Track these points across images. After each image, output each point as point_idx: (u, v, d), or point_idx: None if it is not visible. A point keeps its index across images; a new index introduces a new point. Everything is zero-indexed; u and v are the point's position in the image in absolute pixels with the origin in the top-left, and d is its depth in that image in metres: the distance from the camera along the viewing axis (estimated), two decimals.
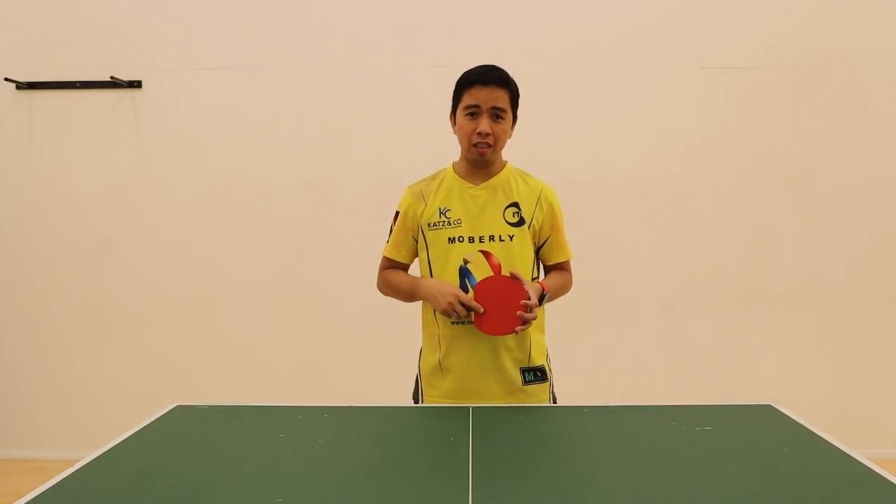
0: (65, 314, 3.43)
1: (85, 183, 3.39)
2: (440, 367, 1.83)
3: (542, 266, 1.93)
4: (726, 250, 3.37)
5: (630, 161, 3.34)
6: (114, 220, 3.40)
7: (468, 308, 1.70)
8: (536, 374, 1.83)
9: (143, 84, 3.36)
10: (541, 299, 1.75)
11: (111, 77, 3.30)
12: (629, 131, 3.34)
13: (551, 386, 1.89)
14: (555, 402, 1.89)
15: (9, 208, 3.41)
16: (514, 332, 1.70)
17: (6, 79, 3.30)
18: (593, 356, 3.34)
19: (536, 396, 1.84)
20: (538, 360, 1.85)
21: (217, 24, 3.34)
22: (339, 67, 3.34)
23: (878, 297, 3.38)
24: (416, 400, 1.93)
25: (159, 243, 3.40)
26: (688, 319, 3.38)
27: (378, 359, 3.32)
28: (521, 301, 1.67)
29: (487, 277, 1.74)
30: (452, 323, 1.78)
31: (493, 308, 1.70)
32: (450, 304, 1.70)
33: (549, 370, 1.88)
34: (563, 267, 1.91)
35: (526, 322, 1.67)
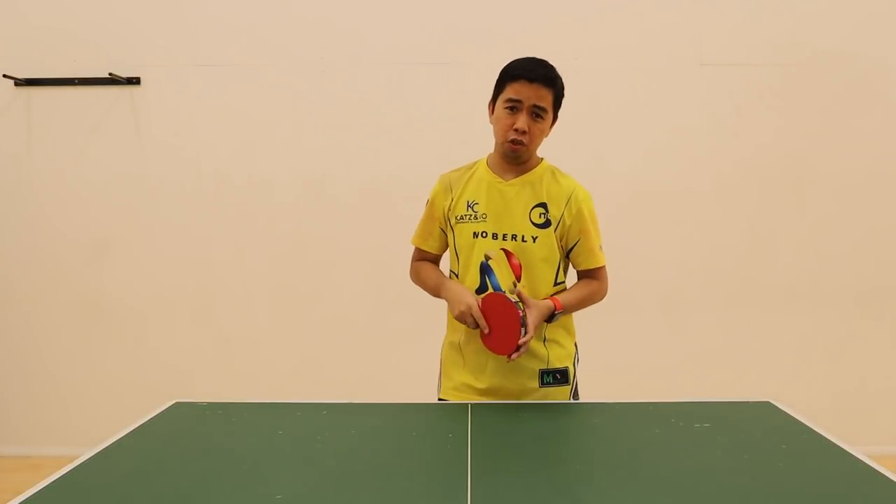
0: (63, 311, 3.43)
1: (83, 180, 3.38)
2: (462, 361, 1.82)
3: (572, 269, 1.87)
4: (725, 247, 3.37)
5: (628, 158, 3.34)
6: (112, 216, 3.40)
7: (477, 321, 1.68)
8: (556, 377, 1.78)
9: (142, 81, 3.36)
10: (550, 318, 1.71)
11: (110, 74, 3.29)
12: (628, 128, 3.34)
13: (574, 388, 1.85)
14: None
15: (7, 205, 3.40)
16: (509, 358, 1.64)
17: (4, 75, 3.29)
18: (592, 353, 3.33)
19: (554, 398, 1.79)
20: (559, 363, 1.80)
21: (216, 22, 3.33)
22: (338, 64, 3.34)
23: (876, 294, 3.38)
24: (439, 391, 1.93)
25: (157, 240, 3.40)
26: (686, 316, 3.39)
27: (377, 356, 3.33)
28: (517, 341, 1.61)
29: (491, 294, 1.70)
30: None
31: (496, 326, 1.66)
32: (462, 312, 1.68)
33: (574, 373, 1.84)
34: (593, 275, 1.83)
35: (519, 351, 1.62)
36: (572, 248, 1.80)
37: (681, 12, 3.31)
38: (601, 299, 1.85)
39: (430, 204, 1.85)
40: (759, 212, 3.36)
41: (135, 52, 3.34)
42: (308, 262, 3.40)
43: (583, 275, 1.86)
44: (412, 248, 1.96)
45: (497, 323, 1.66)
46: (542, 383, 1.77)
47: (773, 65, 3.31)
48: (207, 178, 3.38)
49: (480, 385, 1.79)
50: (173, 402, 1.77)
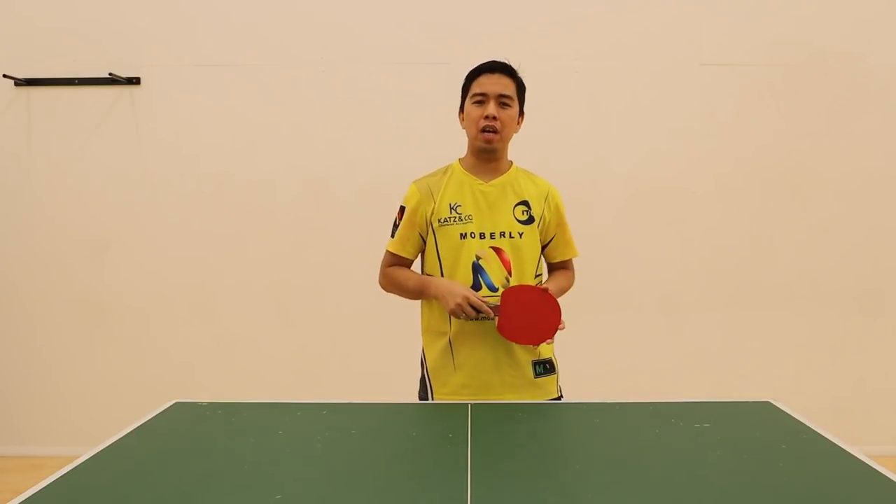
0: (63, 311, 3.43)
1: (83, 180, 3.38)
2: (452, 364, 1.83)
3: (545, 264, 1.95)
4: (725, 247, 3.37)
5: (628, 157, 3.34)
6: (112, 216, 3.40)
7: (478, 311, 1.70)
8: (546, 367, 1.86)
9: (142, 81, 3.36)
10: None
11: (110, 74, 3.29)
12: (628, 128, 3.34)
13: (558, 379, 1.91)
14: (561, 395, 1.91)
15: (7, 205, 3.40)
16: (535, 345, 1.78)
17: (4, 75, 3.29)
18: (592, 353, 3.34)
19: (546, 389, 1.86)
20: (546, 353, 1.87)
21: (216, 22, 3.33)
22: (337, 64, 3.34)
23: (875, 294, 3.38)
24: (424, 399, 1.91)
25: (157, 240, 3.40)
26: (686, 316, 3.39)
27: (377, 355, 3.33)
28: (558, 327, 1.74)
29: (520, 286, 1.77)
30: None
31: (517, 316, 1.73)
32: (458, 305, 1.70)
33: (556, 363, 1.90)
34: (566, 266, 1.97)
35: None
36: (549, 241, 1.90)
37: (681, 12, 3.31)
38: (569, 289, 1.98)
39: (410, 211, 1.85)
40: (760, 212, 3.36)
41: (135, 52, 3.34)
42: (308, 261, 3.40)
43: (557, 266, 1.96)
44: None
45: (521, 311, 1.73)
46: (536, 374, 1.85)
47: (773, 65, 3.31)
48: (207, 177, 3.38)
49: (477, 383, 1.81)
50: (173, 401, 1.77)
